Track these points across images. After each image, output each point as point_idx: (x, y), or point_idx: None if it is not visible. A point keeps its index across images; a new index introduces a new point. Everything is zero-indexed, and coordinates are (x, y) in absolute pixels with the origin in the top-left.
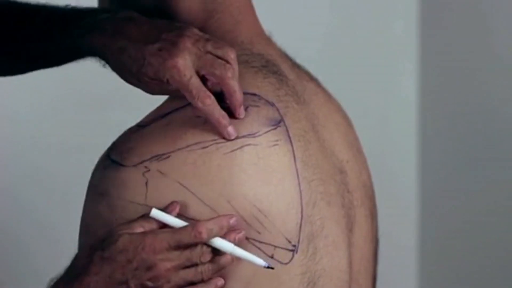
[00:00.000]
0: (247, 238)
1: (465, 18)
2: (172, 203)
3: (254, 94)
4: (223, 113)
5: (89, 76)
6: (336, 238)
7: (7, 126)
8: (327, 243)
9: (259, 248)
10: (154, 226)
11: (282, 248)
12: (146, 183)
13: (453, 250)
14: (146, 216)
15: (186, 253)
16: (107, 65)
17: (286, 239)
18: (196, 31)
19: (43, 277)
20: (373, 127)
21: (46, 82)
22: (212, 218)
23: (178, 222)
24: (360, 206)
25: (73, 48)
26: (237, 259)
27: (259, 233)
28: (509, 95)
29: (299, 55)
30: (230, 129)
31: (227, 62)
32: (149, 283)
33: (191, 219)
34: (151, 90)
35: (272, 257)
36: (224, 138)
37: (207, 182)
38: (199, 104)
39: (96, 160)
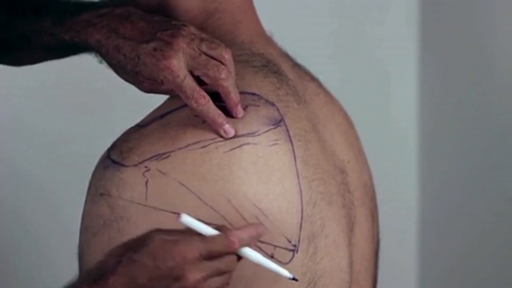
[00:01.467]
0: None
1: (466, 17)
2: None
3: (254, 94)
4: (219, 112)
5: (89, 76)
6: (336, 238)
7: (7, 125)
8: (328, 243)
9: (259, 248)
10: (192, 234)
11: (282, 247)
12: (146, 182)
13: (453, 250)
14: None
15: (216, 263)
16: (103, 61)
17: (286, 238)
18: (192, 29)
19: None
20: (373, 128)
21: (46, 81)
22: (243, 228)
23: (209, 231)
24: (360, 206)
25: (71, 43)
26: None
27: None
28: (510, 94)
29: (299, 55)
30: (227, 127)
31: (222, 63)
32: None
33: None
34: (145, 88)
35: (272, 256)
36: (221, 136)
37: (207, 181)
38: (194, 104)
39: (96, 160)
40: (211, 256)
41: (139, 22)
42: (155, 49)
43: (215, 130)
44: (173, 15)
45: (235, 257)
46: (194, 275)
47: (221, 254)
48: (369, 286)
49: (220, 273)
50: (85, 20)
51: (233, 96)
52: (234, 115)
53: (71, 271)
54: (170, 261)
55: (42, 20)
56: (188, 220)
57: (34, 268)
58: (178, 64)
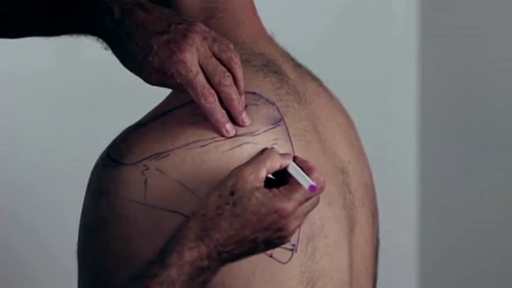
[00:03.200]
0: None
1: (466, 17)
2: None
3: (254, 93)
4: (223, 111)
5: (90, 75)
6: (336, 238)
7: (7, 125)
8: (328, 243)
9: None
10: (276, 166)
11: (281, 247)
12: (145, 181)
13: (452, 250)
14: (269, 154)
15: (308, 206)
16: (109, 48)
17: None
18: (203, 27)
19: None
20: (373, 127)
21: (46, 81)
22: (314, 166)
23: (308, 181)
24: (361, 206)
25: (76, 25)
26: None
27: None
28: (510, 94)
29: (300, 55)
30: (228, 126)
31: (231, 66)
32: (277, 241)
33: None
34: (151, 80)
35: (271, 256)
36: (222, 135)
37: (206, 180)
38: (202, 101)
39: (95, 158)
40: (306, 201)
41: (153, 12)
42: (169, 41)
43: (217, 128)
44: None
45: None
46: (293, 223)
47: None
48: (370, 285)
49: (308, 212)
50: (93, 5)
51: (236, 104)
52: (240, 123)
53: (71, 271)
54: (273, 215)
55: (43, 1)
56: (292, 170)
57: (33, 268)
58: (192, 59)
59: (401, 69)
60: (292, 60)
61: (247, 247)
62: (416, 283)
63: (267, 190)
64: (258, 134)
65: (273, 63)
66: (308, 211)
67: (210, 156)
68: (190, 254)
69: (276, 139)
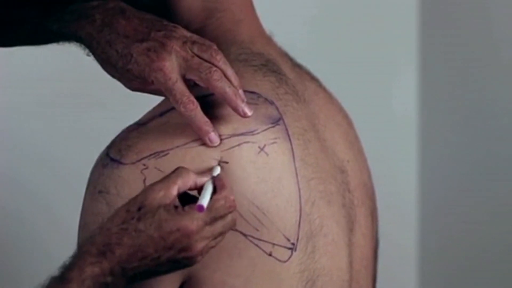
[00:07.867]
0: (245, 235)
1: (466, 16)
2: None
3: (253, 92)
4: (206, 119)
5: (89, 74)
6: (336, 237)
7: (7, 125)
8: (327, 242)
9: (257, 245)
10: (188, 184)
11: (280, 246)
12: (144, 180)
13: (453, 250)
14: (181, 172)
15: (218, 227)
16: (91, 54)
17: (285, 237)
18: (183, 31)
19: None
20: (373, 127)
21: (45, 81)
22: (225, 186)
23: (200, 201)
24: (360, 205)
25: (57, 33)
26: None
27: (257, 230)
28: (511, 95)
29: (299, 54)
30: (212, 135)
31: (214, 64)
32: (184, 261)
33: None
34: (132, 86)
35: (270, 254)
36: (206, 144)
37: None
38: (182, 109)
39: (95, 158)
40: (213, 221)
41: (133, 19)
42: (148, 49)
43: (200, 137)
44: (173, 14)
45: (236, 214)
46: (199, 244)
47: (223, 216)
48: (369, 285)
49: (221, 233)
50: (76, 11)
51: (231, 96)
52: (242, 114)
53: None
54: (176, 234)
55: (27, 8)
56: (204, 188)
57: (32, 268)
58: (171, 67)
59: (402, 69)
60: (291, 59)
61: (152, 265)
62: (416, 283)
63: (173, 208)
64: (257, 133)
65: (272, 63)
66: (221, 233)
67: (209, 155)
68: (91, 269)
69: (275, 138)
